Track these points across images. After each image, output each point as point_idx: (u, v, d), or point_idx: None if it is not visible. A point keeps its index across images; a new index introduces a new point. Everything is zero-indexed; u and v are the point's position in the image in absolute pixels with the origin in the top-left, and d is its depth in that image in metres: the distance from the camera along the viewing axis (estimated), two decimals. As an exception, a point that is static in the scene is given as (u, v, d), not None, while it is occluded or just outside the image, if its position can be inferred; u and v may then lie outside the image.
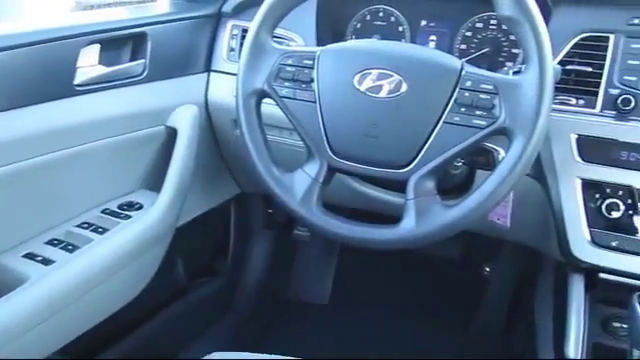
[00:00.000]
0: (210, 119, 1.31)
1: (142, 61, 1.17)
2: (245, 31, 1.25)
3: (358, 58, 0.91)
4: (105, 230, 1.07)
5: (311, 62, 0.93)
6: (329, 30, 1.23)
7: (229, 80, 1.25)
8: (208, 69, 1.30)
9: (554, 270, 1.26)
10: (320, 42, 1.17)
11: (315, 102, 0.92)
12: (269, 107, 0.98)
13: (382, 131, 0.89)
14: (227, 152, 1.37)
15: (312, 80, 0.93)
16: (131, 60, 1.17)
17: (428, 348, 1.69)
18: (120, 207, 1.15)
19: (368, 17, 1.26)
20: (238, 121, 0.98)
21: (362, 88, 0.89)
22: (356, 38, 1.27)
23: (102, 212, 1.13)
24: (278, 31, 1.10)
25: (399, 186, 0.91)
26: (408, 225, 0.87)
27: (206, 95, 1.29)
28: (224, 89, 1.26)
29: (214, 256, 1.73)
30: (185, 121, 1.20)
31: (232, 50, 1.28)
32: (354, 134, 0.90)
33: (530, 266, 1.57)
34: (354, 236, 0.92)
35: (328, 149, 0.92)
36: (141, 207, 1.15)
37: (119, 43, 1.16)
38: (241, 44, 1.24)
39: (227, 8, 1.29)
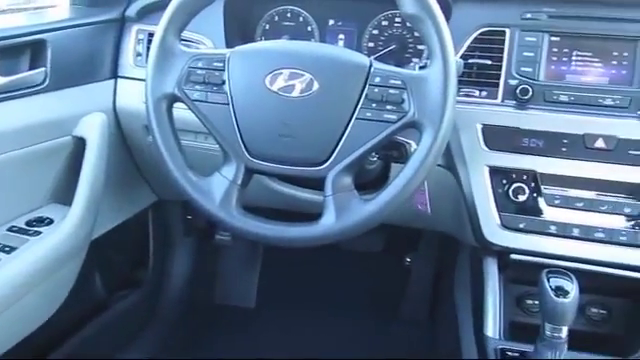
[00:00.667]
0: (120, 127, 1.27)
1: (42, 69, 1.11)
2: (151, 35, 1.21)
3: (268, 58, 0.91)
4: (13, 249, 1.02)
5: (221, 64, 0.92)
6: (238, 32, 1.23)
7: (138, 86, 1.22)
8: (115, 75, 1.26)
9: (470, 255, 1.31)
10: (229, 44, 1.17)
11: (228, 104, 0.92)
12: (182, 112, 0.96)
13: (297, 130, 0.89)
14: (141, 159, 1.33)
15: (224, 82, 0.92)
16: (30, 69, 1.11)
17: (357, 340, 1.72)
18: (28, 223, 1.09)
19: (276, 18, 1.27)
20: (150, 127, 0.96)
21: (274, 88, 0.89)
22: (265, 39, 1.27)
23: (8, 230, 1.06)
24: (186, 34, 1.08)
25: (317, 183, 0.92)
26: (328, 221, 0.88)
27: (114, 102, 1.24)
28: (133, 95, 1.22)
29: (134, 267, 1.68)
30: (93, 130, 1.16)
31: (139, 55, 1.24)
32: (269, 134, 0.90)
33: (448, 253, 1.63)
34: (275, 235, 0.93)
35: (244, 151, 0.92)
36: (51, 222, 1.10)
37: (16, 51, 1.10)
38: (148, 49, 1.21)
39: (131, 12, 1.25)
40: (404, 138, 1.06)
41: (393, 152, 1.09)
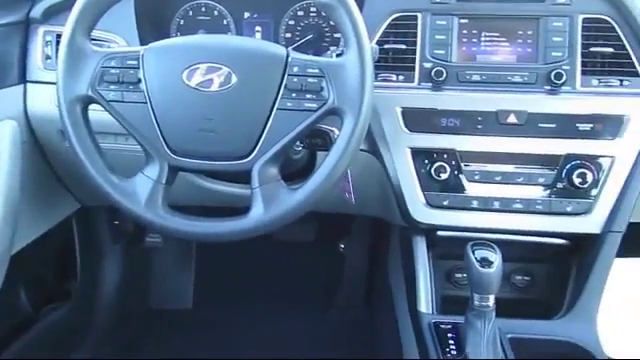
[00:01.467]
0: (34, 133, 1.21)
1: (-58, 78, 1.05)
2: (60, 36, 1.17)
3: (184, 54, 0.90)
4: None
5: (136, 62, 0.90)
6: (151, 29, 1.20)
7: (49, 90, 1.16)
8: (24, 80, 1.20)
9: (400, 235, 1.35)
10: (143, 42, 1.14)
11: (146, 102, 0.90)
12: (99, 114, 0.94)
13: (219, 124, 0.89)
14: (59, 166, 1.28)
15: (139, 80, 0.90)
16: None
17: (296, 331, 1.73)
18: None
19: (191, 13, 1.25)
20: (65, 131, 0.92)
21: (192, 84, 0.88)
22: (181, 35, 1.25)
23: None
24: (97, 34, 1.05)
25: (244, 177, 0.92)
26: (257, 213, 0.89)
27: (25, 108, 1.19)
28: (45, 100, 1.17)
29: (62, 278, 1.62)
30: (3, 139, 1.10)
31: (48, 58, 1.19)
32: (190, 130, 0.89)
33: (380, 236, 1.67)
34: (206, 232, 0.92)
35: (166, 149, 0.90)
36: (-35, 239, 1.04)
37: None
38: (57, 50, 1.16)
39: (35, 13, 1.19)
40: (327, 126, 1.07)
41: (317, 140, 1.10)
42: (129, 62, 0.91)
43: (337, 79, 0.87)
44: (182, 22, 1.25)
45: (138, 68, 0.90)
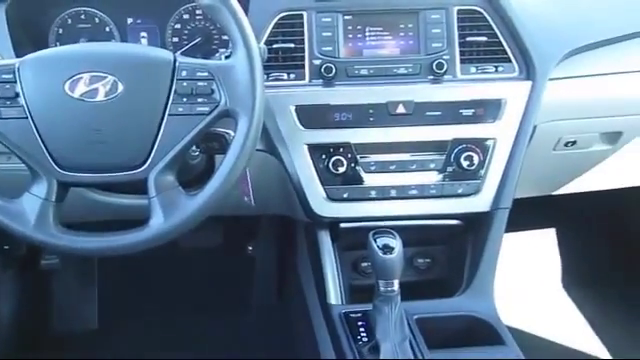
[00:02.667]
0: None
1: None
2: None
3: (64, 64, 0.86)
4: None
5: (11, 76, 0.85)
6: (28, 39, 1.13)
7: None
8: None
9: (305, 231, 1.37)
10: (19, 54, 1.07)
11: (26, 118, 0.85)
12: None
13: (108, 135, 0.86)
14: None
15: (17, 95, 0.85)
16: None
17: (211, 338, 1.71)
18: None
19: (70, 21, 1.19)
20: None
21: (76, 95, 0.85)
22: (62, 44, 1.19)
23: None
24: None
25: (140, 186, 0.89)
26: (157, 222, 0.87)
27: None
28: None
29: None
30: None
31: None
32: (79, 143, 0.86)
33: (287, 234, 1.68)
34: (105, 246, 0.89)
35: (53, 164, 0.86)
36: None
37: None
38: None
39: None
40: (223, 129, 1.07)
41: (214, 144, 1.09)
42: (4, 76, 0.85)
43: (227, 81, 0.87)
44: (61, 31, 1.19)
45: (15, 82, 0.85)
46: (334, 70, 1.10)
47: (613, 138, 1.27)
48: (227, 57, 0.93)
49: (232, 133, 1.06)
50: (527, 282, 1.80)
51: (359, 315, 1.10)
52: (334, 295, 1.16)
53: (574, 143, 1.26)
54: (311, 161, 1.11)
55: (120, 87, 0.85)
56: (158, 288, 1.84)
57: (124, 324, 1.76)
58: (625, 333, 1.63)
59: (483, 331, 1.09)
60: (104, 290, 1.81)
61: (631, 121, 1.25)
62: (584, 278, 1.81)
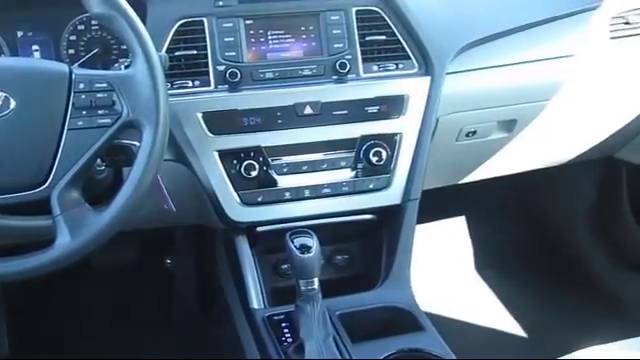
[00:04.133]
0: None
1: None
2: None
3: None
4: None
5: None
6: None
7: None
8: None
9: (223, 238, 1.35)
10: None
11: None
12: None
13: (3, 154, 0.82)
14: None
15: None
16: None
17: (137, 355, 1.65)
18: None
19: None
20: None
21: (-37, 113, 0.80)
22: (-54, 62, 1.11)
23: None
24: None
25: (43, 206, 0.85)
26: (63, 241, 0.83)
27: None
28: None
29: None
30: None
31: None
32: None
33: (204, 242, 1.65)
34: (10, 271, 0.84)
35: None
36: None
37: None
38: None
39: None
40: (128, 140, 1.04)
41: (120, 157, 1.05)
42: None
43: (128, 91, 0.85)
44: (-57, 48, 1.12)
45: None
46: (239, 75, 1.09)
47: (509, 126, 1.35)
48: (127, 67, 0.91)
49: (138, 144, 1.04)
50: (443, 269, 1.87)
51: (282, 317, 1.10)
52: (256, 299, 1.15)
53: (474, 133, 1.32)
54: (222, 167, 1.10)
55: (12, 103, 0.81)
56: (74, 310, 1.76)
57: (37, 349, 1.67)
58: (538, 310, 1.73)
59: (403, 320, 1.12)
60: (14, 316, 1.71)
61: (524, 109, 1.33)
62: (496, 261, 1.90)
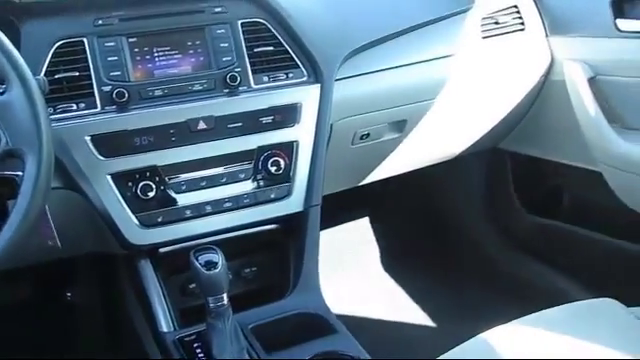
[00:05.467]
0: None
1: None
2: None
3: None
4: None
5: None
6: None
7: None
8: None
9: (125, 263, 1.31)
10: None
11: None
12: None
13: None
14: None
15: None
16: None
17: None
18: None
19: None
20: None
21: None
22: None
23: None
24: None
25: None
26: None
27: None
28: None
29: None
30: None
31: None
32: None
33: (107, 270, 1.59)
34: None
35: None
36: None
37: None
38: None
39: None
40: (11, 172, 0.98)
41: (4, 190, 0.99)
42: None
43: (5, 119, 0.80)
44: None
45: None
46: (127, 94, 1.06)
47: (400, 126, 1.41)
48: (2, 93, 0.86)
49: (22, 174, 0.99)
50: (351, 270, 1.90)
51: (194, 337, 1.08)
52: (165, 323, 1.12)
53: (368, 135, 1.37)
54: (117, 191, 1.06)
55: None
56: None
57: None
58: (444, 298, 1.80)
59: (316, 324, 1.14)
60: None
61: (412, 109, 1.40)
62: (401, 256, 1.97)
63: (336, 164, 1.30)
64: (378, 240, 2.00)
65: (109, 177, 1.06)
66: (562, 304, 1.03)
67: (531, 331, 0.98)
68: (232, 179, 1.15)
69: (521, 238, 1.83)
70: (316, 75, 1.20)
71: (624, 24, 1.33)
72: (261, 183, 1.17)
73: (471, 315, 1.45)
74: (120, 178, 1.07)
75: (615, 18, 1.34)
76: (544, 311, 1.02)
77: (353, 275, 1.87)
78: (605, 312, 1.02)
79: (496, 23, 1.45)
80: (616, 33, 1.34)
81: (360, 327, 1.21)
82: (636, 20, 1.32)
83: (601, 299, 1.04)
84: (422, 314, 1.75)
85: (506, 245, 1.86)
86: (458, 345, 0.97)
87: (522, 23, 1.47)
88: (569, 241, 1.67)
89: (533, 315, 1.01)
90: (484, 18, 1.43)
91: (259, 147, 1.15)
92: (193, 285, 1.23)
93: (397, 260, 1.94)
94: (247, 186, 1.16)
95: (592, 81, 1.38)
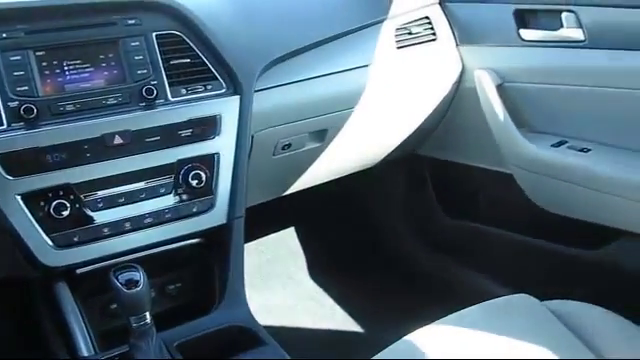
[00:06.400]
0: None
1: None
2: None
3: None
4: None
5: None
6: None
7: None
8: None
9: (40, 287, 1.25)
10: None
11: None
12: None
13: None
14: None
15: None
16: None
17: None
18: None
19: None
20: None
21: None
22: None
23: None
24: None
25: None
26: None
27: None
28: None
29: None
30: None
31: None
32: None
33: (20, 295, 1.51)
34: None
35: None
36: None
37: None
38: None
39: None
40: None
41: None
42: None
43: None
44: None
45: None
46: (35, 110, 1.02)
47: (321, 136, 1.43)
48: None
49: None
50: (278, 281, 1.90)
51: (116, 359, 1.04)
52: (85, 347, 1.08)
53: (289, 146, 1.37)
54: (28, 211, 1.01)
55: None
56: None
57: None
58: (370, 303, 1.83)
59: (244, 337, 1.13)
60: None
61: (332, 118, 1.42)
62: (327, 264, 1.98)
63: (259, 175, 1.30)
64: (304, 249, 2.01)
65: (19, 197, 1.01)
66: (481, 302, 1.07)
67: (454, 330, 1.02)
68: (152, 194, 1.12)
69: (441, 240, 1.89)
70: (235, 87, 1.19)
71: (527, 34, 1.41)
72: (183, 197, 1.14)
73: (397, 318, 1.48)
74: (31, 198, 1.02)
75: (518, 28, 1.42)
76: (464, 310, 1.06)
77: (280, 286, 1.87)
78: (520, 307, 1.07)
79: (409, 33, 1.50)
80: (520, 42, 1.42)
81: (288, 337, 1.21)
82: (537, 30, 1.40)
83: (517, 295, 1.10)
84: (349, 320, 1.78)
85: (427, 248, 1.92)
86: (385, 348, 0.99)
87: (434, 33, 1.53)
88: (486, 241, 1.75)
89: (454, 314, 1.05)
90: (398, 29, 1.48)
91: (179, 160, 1.13)
92: (114, 306, 1.20)
93: (323, 268, 1.96)
94: (168, 201, 1.13)
95: (500, 88, 1.46)
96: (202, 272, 1.27)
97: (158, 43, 1.14)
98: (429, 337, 1.00)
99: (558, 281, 1.54)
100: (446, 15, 1.55)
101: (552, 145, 1.39)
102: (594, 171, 1.30)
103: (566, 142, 1.39)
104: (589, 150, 1.33)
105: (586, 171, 1.31)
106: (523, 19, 1.42)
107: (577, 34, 1.32)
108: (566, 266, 1.51)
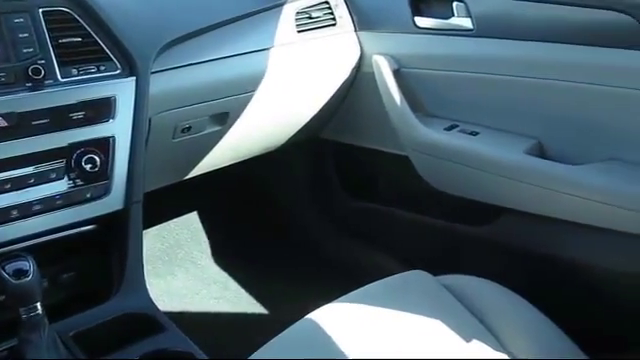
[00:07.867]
0: None
1: None
2: None
3: None
4: None
5: None
6: None
7: None
8: None
9: None
10: None
11: None
12: None
13: None
14: None
15: None
16: None
17: None
18: None
19: None
20: None
21: None
22: None
23: None
24: None
25: None
26: None
27: None
28: None
29: None
30: None
31: None
32: None
33: None
34: None
35: None
36: None
37: None
38: None
39: None
40: None
41: None
42: None
43: None
44: None
45: None
46: None
47: (222, 119, 1.42)
48: None
49: None
50: (181, 266, 1.88)
51: (5, 354, 0.99)
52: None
53: (189, 129, 1.35)
54: None
55: None
56: None
57: None
58: (275, 285, 1.84)
59: (144, 324, 1.11)
60: None
61: (233, 101, 1.41)
62: (231, 248, 1.98)
63: (158, 159, 1.27)
64: (207, 234, 1.99)
65: None
66: (381, 279, 1.12)
67: (353, 307, 1.06)
68: (42, 180, 1.06)
69: (344, 221, 1.94)
70: (130, 68, 1.15)
71: (421, 21, 1.47)
72: (76, 182, 1.10)
73: (301, 298, 1.50)
74: None
75: (413, 16, 1.47)
76: (364, 287, 1.10)
77: (183, 271, 1.84)
78: (416, 282, 1.13)
79: (309, 18, 1.51)
80: (414, 29, 1.47)
81: (191, 322, 1.20)
82: (430, 18, 1.46)
83: (413, 271, 1.15)
84: (254, 303, 1.78)
85: (331, 229, 1.96)
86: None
87: (333, 18, 1.55)
88: (386, 222, 1.81)
89: (353, 292, 1.09)
90: (298, 13, 1.49)
91: (71, 144, 1.08)
92: (2, 297, 1.13)
93: (227, 253, 1.95)
94: (60, 186, 1.08)
95: (397, 73, 1.51)
96: (99, 259, 1.23)
97: (45, 20, 1.08)
98: (329, 315, 1.03)
99: (451, 257, 1.63)
100: (345, 0, 1.58)
101: (445, 129, 1.46)
102: (481, 153, 1.38)
103: (457, 126, 1.46)
104: (477, 133, 1.41)
105: (474, 153, 1.39)
106: (418, 7, 1.48)
107: (467, 23, 1.39)
108: (458, 242, 1.60)
